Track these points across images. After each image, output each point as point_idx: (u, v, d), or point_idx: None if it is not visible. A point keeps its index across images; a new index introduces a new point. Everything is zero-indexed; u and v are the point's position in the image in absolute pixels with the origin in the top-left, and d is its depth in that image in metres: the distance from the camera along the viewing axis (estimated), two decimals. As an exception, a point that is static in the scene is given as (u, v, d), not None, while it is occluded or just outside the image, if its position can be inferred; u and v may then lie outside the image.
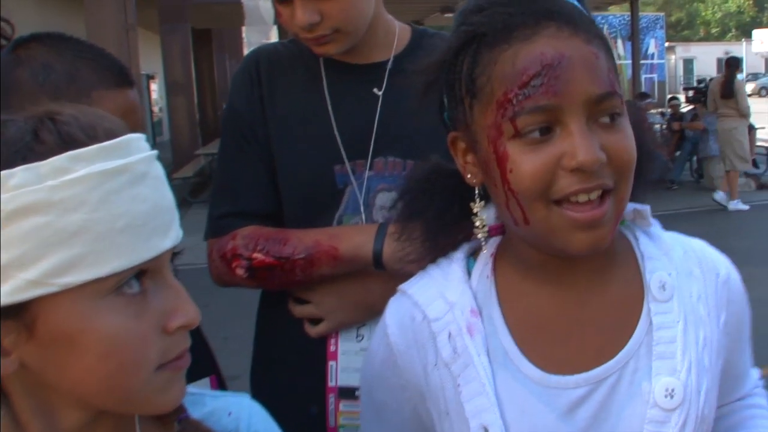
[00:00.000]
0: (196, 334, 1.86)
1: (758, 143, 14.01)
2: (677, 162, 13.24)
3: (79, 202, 0.76)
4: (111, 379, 0.81)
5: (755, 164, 13.63)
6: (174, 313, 0.84)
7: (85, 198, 0.76)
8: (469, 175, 1.07)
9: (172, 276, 0.87)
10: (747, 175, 12.34)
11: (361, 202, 1.62)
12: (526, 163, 0.95)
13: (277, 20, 1.61)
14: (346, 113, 1.63)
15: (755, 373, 1.27)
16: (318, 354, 1.62)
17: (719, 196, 11.12)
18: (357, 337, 1.62)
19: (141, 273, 0.81)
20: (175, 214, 0.86)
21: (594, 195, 0.95)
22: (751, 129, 14.66)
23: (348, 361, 1.61)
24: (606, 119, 0.96)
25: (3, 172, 0.75)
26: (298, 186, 1.63)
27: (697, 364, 1.03)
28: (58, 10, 13.11)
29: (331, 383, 1.61)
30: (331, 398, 1.60)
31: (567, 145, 0.94)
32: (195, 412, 0.97)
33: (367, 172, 1.62)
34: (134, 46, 6.14)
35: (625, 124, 0.99)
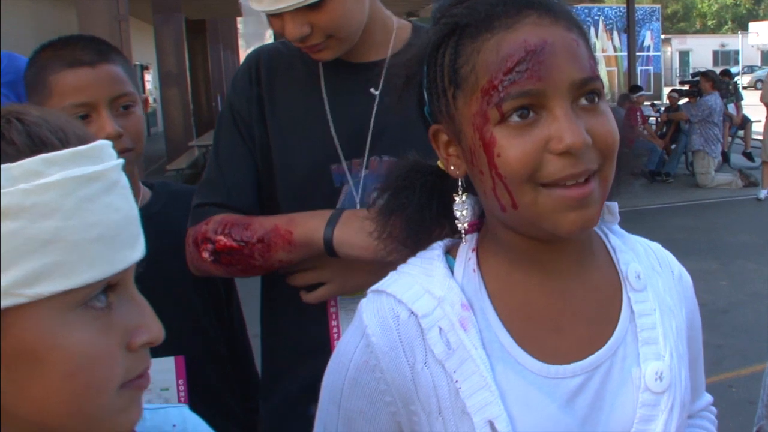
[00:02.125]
0: (241, 331, 1.95)
1: (753, 136, 14.02)
2: (673, 155, 13.26)
3: (52, 209, 0.72)
4: (75, 400, 0.76)
5: (751, 158, 13.66)
6: (138, 330, 0.80)
7: (58, 204, 0.72)
8: (452, 167, 1.08)
9: (137, 290, 0.83)
10: (740, 172, 12.34)
11: (358, 200, 1.62)
12: (513, 147, 0.96)
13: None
14: (342, 113, 1.63)
15: (709, 397, 1.32)
16: (325, 347, 1.60)
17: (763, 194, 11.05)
18: None
19: (107, 286, 0.78)
20: (140, 227, 0.82)
21: (582, 179, 0.97)
22: (747, 122, 14.71)
23: None
24: (587, 103, 0.98)
25: None
26: (296, 184, 1.64)
27: (676, 350, 1.08)
28: (52, 0, 13.03)
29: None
30: None
31: (553, 129, 0.95)
32: (138, 427, 0.91)
33: (363, 171, 1.62)
34: (126, 37, 6.10)
35: (606, 108, 1.01)
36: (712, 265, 7.59)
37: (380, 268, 1.59)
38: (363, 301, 1.11)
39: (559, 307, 1.07)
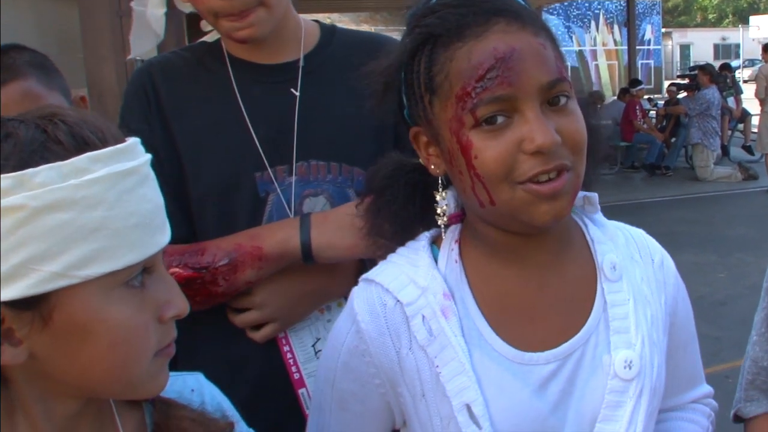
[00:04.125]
0: None
1: (753, 129, 14.02)
2: (672, 149, 13.28)
3: (98, 201, 0.83)
4: (118, 367, 0.88)
5: (750, 151, 13.67)
6: (168, 305, 0.92)
7: (103, 197, 0.83)
8: (432, 167, 1.14)
9: (164, 269, 0.94)
10: (740, 165, 12.35)
11: (292, 209, 1.54)
12: (489, 149, 1.02)
13: (194, 8, 1.50)
14: (262, 117, 1.54)
15: (706, 389, 1.33)
16: (281, 386, 1.54)
17: None
18: (316, 354, 1.56)
19: (143, 269, 0.89)
20: (165, 214, 0.94)
21: (553, 174, 1.02)
22: (746, 115, 14.71)
23: None
24: (557, 104, 1.04)
25: (28, 171, 0.80)
26: (217, 198, 1.53)
27: (648, 338, 1.12)
28: (52, -5, 12.97)
29: (308, 411, 1.49)
30: None
31: (525, 131, 1.01)
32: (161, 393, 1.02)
33: (293, 177, 1.54)
34: (127, 32, 6.11)
35: (575, 107, 1.06)
36: (711, 257, 7.62)
37: (322, 295, 1.56)
38: (355, 289, 1.17)
39: (535, 297, 1.12)
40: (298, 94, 1.55)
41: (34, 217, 0.79)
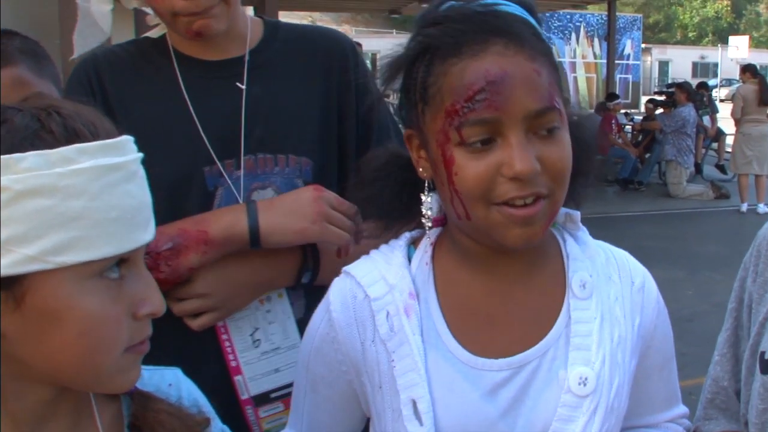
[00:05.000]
0: None
1: (727, 149, 14.17)
2: (646, 164, 13.37)
3: (81, 191, 0.85)
4: (85, 356, 0.89)
5: (724, 170, 13.81)
6: (144, 302, 0.93)
7: (86, 187, 0.85)
8: (420, 169, 1.17)
9: (144, 267, 0.96)
10: (712, 184, 12.48)
11: (240, 202, 1.54)
12: (470, 168, 1.05)
13: (149, 4, 1.50)
14: (210, 112, 1.55)
15: (682, 409, 1.33)
16: (215, 373, 1.55)
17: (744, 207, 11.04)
18: (254, 343, 1.58)
19: (121, 261, 0.91)
20: (152, 212, 0.96)
21: (529, 200, 1.05)
22: (721, 134, 14.87)
23: (253, 370, 1.57)
24: (544, 132, 1.04)
25: (15, 155, 0.82)
26: (166, 192, 1.50)
27: (610, 358, 1.13)
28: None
29: (243, 396, 1.57)
30: (249, 410, 1.57)
31: (506, 156, 1.03)
32: (138, 384, 1.04)
33: (242, 171, 1.56)
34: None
35: (563, 135, 1.07)
36: (680, 274, 7.69)
37: (262, 287, 1.57)
38: (335, 280, 1.23)
39: (499, 305, 1.16)
40: (244, 88, 1.57)
41: (16, 200, 0.82)
